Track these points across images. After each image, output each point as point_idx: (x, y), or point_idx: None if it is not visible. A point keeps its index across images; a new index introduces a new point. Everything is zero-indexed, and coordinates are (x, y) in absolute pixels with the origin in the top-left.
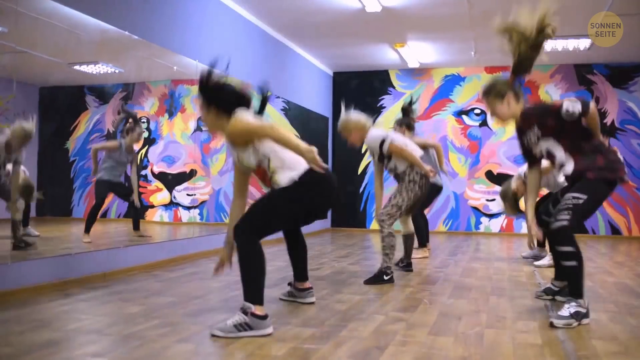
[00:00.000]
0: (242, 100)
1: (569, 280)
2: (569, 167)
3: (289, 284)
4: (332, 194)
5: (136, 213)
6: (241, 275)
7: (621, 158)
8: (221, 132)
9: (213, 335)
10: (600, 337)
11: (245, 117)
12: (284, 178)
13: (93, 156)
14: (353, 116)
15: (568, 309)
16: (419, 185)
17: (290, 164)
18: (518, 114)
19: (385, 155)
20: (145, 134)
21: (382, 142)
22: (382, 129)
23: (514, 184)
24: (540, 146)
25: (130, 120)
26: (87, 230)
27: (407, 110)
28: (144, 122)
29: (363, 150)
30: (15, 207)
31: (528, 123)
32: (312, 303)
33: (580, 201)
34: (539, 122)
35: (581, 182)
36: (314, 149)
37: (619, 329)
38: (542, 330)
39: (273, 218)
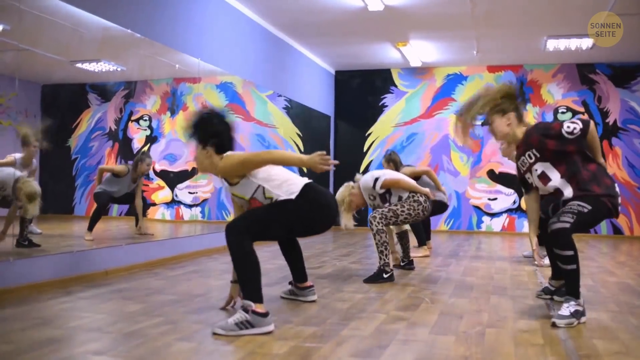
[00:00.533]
0: (233, 142)
1: (568, 282)
2: (567, 192)
3: (290, 282)
4: (329, 212)
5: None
6: (238, 276)
7: (617, 187)
8: (212, 171)
9: (214, 334)
10: (601, 336)
11: (236, 153)
12: (284, 196)
13: (99, 175)
14: (339, 195)
15: (568, 308)
16: (422, 206)
17: (287, 188)
18: (519, 136)
19: (383, 194)
20: (147, 133)
21: (375, 181)
22: (368, 174)
23: None
24: (534, 167)
25: (141, 154)
26: (90, 228)
27: (393, 153)
28: (145, 120)
29: (365, 149)
30: (26, 209)
31: (528, 142)
32: (314, 301)
33: (585, 210)
34: (539, 142)
35: (586, 197)
36: (318, 153)
37: (620, 329)
38: (544, 330)
39: (272, 223)
